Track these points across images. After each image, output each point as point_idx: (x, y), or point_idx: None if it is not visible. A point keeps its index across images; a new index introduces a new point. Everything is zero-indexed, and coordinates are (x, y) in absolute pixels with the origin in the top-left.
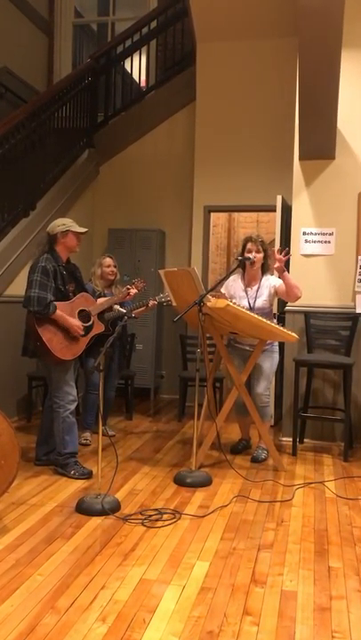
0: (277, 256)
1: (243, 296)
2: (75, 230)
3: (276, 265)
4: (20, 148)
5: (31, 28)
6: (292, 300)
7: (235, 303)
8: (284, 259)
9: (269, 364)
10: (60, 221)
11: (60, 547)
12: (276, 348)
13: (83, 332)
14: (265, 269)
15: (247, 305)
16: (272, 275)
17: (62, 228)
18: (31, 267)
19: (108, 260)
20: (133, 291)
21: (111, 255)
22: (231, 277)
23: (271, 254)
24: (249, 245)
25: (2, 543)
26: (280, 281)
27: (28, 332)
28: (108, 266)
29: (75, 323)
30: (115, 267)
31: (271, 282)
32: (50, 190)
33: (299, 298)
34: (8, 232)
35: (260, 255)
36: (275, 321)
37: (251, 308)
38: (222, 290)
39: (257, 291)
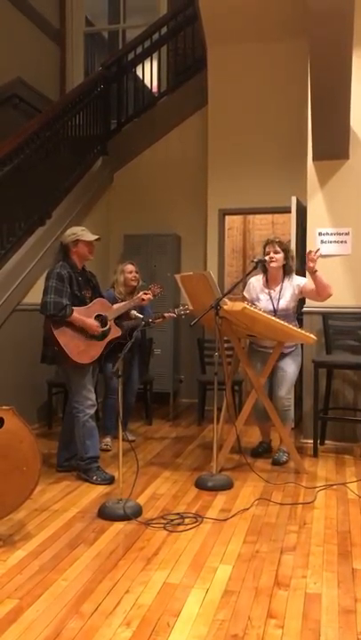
0: (310, 256)
1: (265, 298)
2: (84, 239)
3: (309, 265)
4: (35, 157)
5: (43, 38)
6: (323, 298)
7: (253, 306)
8: (316, 258)
9: (292, 367)
10: (71, 231)
11: (84, 552)
12: (300, 351)
13: (100, 331)
14: (287, 271)
15: (271, 307)
16: (296, 275)
17: (72, 238)
18: (47, 274)
19: (130, 267)
20: (148, 296)
21: (133, 261)
22: (254, 279)
23: (293, 256)
24: (267, 248)
25: (26, 549)
26: (305, 280)
27: (46, 338)
28: (131, 272)
29: (91, 322)
30: (137, 272)
31: (295, 282)
32: (65, 198)
33: (330, 296)
34: (25, 241)
35: (279, 256)
36: (296, 323)
37: (274, 310)
38: (244, 293)
39: (280, 292)
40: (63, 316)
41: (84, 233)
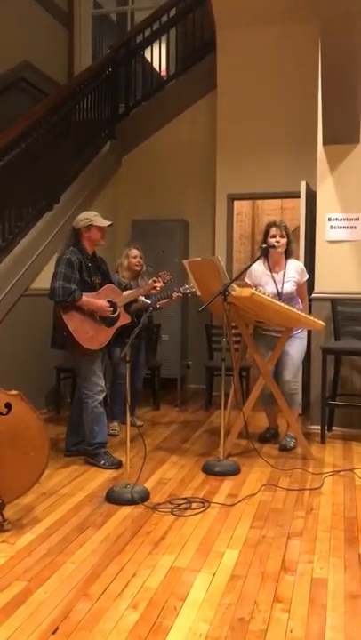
0: None
1: (269, 282)
2: (97, 224)
3: None
4: (43, 141)
5: (51, 20)
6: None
7: (260, 291)
8: None
9: (297, 350)
10: (83, 215)
11: (91, 536)
12: (304, 334)
13: (111, 311)
14: (289, 254)
15: (275, 290)
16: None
17: (85, 223)
18: (57, 259)
19: (134, 251)
20: (159, 284)
21: (138, 246)
22: (255, 264)
23: (295, 240)
24: (273, 231)
25: (34, 532)
26: (306, 276)
27: (56, 323)
28: (135, 257)
29: (102, 303)
30: (141, 257)
31: (298, 266)
32: (73, 183)
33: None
34: (33, 226)
35: (284, 240)
36: (300, 306)
37: (279, 294)
38: (246, 279)
39: (284, 275)
40: (72, 300)
41: (96, 218)
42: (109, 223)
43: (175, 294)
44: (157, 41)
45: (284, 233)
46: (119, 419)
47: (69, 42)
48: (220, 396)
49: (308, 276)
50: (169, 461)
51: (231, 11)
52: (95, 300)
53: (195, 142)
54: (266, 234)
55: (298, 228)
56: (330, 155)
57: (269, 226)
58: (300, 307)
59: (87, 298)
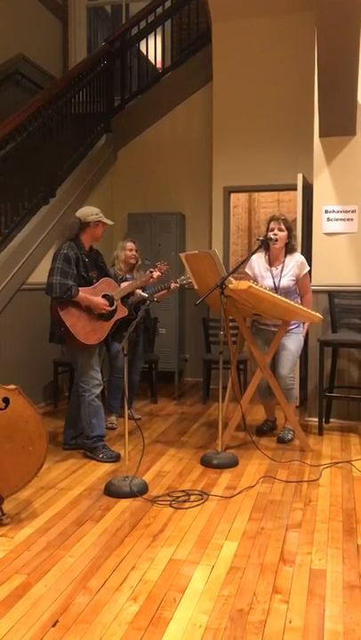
0: None
1: (267, 275)
2: (104, 221)
3: None
4: (38, 135)
5: (45, 13)
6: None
7: (257, 284)
8: None
9: (294, 345)
10: (90, 210)
11: (90, 529)
12: (301, 329)
13: (108, 309)
14: (289, 249)
15: (272, 284)
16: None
17: (95, 218)
18: (54, 254)
19: (130, 244)
20: (156, 273)
21: (134, 240)
22: (255, 256)
23: (295, 235)
24: (271, 224)
25: (33, 526)
26: (306, 268)
27: (53, 318)
28: (131, 250)
29: (98, 300)
30: (136, 251)
31: (298, 259)
32: (69, 177)
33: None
34: (29, 220)
35: (283, 234)
36: (298, 300)
37: (275, 288)
38: (246, 269)
39: (282, 270)
40: (69, 296)
41: (102, 215)
42: (112, 223)
43: (173, 285)
44: (153, 33)
45: (283, 226)
46: (117, 412)
47: (64, 34)
48: (218, 389)
49: (308, 268)
50: (167, 454)
51: (226, 2)
52: (92, 297)
53: (191, 135)
54: (267, 227)
55: (295, 220)
56: (326, 147)
57: (270, 219)
58: (298, 301)
59: (84, 294)
